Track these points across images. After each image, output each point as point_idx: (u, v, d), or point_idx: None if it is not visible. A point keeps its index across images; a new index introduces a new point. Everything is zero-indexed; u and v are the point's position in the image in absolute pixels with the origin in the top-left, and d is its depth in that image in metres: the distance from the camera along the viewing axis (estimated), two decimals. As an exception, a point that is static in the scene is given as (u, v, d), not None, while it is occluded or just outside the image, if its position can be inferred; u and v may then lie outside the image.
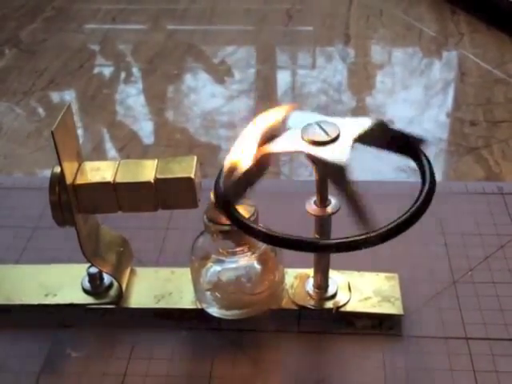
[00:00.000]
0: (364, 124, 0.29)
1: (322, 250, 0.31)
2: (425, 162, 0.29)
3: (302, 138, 0.29)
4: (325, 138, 0.29)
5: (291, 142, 0.29)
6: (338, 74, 1.50)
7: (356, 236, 0.28)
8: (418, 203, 0.28)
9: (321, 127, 0.29)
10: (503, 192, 0.44)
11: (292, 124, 0.30)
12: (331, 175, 0.29)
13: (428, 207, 0.28)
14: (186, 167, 0.32)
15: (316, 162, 0.29)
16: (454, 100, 1.39)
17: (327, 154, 0.28)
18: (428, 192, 0.29)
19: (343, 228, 0.31)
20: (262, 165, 0.30)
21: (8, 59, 1.61)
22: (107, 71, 1.57)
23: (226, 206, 0.29)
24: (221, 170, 0.31)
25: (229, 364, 0.34)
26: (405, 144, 0.30)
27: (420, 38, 1.63)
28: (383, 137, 0.30)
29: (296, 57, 1.65)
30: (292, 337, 0.35)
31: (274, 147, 0.29)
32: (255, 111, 1.38)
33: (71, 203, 0.32)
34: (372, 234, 0.27)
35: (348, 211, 0.28)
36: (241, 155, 0.30)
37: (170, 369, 0.34)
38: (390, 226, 0.28)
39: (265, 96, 1.45)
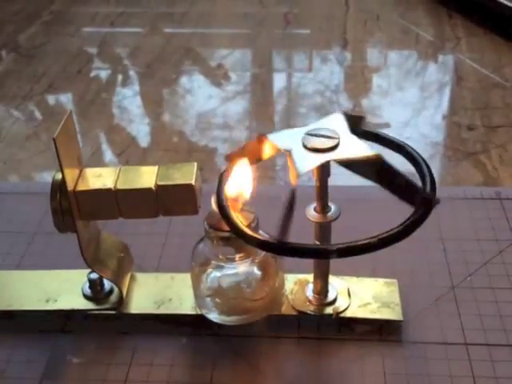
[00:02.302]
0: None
1: (322, 256, 0.31)
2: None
3: (314, 151, 0.29)
4: (333, 142, 0.29)
5: (310, 158, 0.29)
6: (335, 77, 1.51)
7: (355, 241, 0.28)
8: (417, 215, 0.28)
9: (318, 135, 0.29)
10: (501, 197, 0.45)
11: (281, 145, 0.30)
12: (369, 170, 0.28)
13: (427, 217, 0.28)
14: (187, 174, 0.32)
15: (349, 164, 0.28)
16: (451, 104, 1.40)
17: (353, 152, 0.28)
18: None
19: (343, 233, 0.32)
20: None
21: (6, 63, 1.61)
22: (105, 75, 1.57)
23: (227, 215, 0.30)
24: (220, 177, 0.31)
25: (229, 370, 0.34)
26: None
27: (417, 42, 1.63)
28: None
29: (293, 60, 1.65)
30: (292, 342, 0.35)
31: (303, 169, 0.28)
32: (251, 114, 1.38)
33: (72, 209, 0.32)
34: (372, 240, 0.27)
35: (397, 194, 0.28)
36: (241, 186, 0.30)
37: (171, 375, 0.34)
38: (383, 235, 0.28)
39: (261, 98, 1.45)
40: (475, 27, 1.64)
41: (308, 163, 0.28)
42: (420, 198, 0.28)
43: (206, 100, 1.43)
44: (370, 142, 0.31)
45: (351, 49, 1.63)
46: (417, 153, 0.31)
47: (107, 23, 1.80)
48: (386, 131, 0.32)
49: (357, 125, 0.30)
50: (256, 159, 0.31)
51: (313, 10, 1.81)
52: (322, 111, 1.37)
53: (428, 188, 0.29)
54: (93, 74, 1.58)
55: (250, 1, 1.89)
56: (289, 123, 1.36)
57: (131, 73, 1.57)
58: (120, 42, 1.71)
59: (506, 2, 1.54)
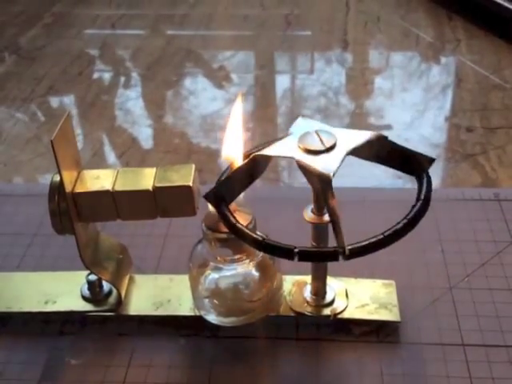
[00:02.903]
0: (362, 137, 0.30)
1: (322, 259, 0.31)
2: (425, 182, 0.30)
3: (298, 146, 0.29)
4: (319, 148, 0.29)
5: (286, 148, 0.29)
6: (336, 79, 1.51)
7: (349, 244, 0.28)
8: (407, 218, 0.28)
9: (318, 136, 0.30)
10: (499, 198, 0.45)
11: (294, 130, 0.30)
12: (316, 185, 0.29)
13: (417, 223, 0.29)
14: (185, 175, 0.32)
15: (304, 170, 0.29)
16: (451, 106, 1.40)
17: (317, 163, 0.28)
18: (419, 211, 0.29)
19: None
20: (256, 167, 0.30)
21: (7, 66, 1.62)
22: (106, 77, 1.58)
23: (221, 209, 0.30)
24: (219, 177, 0.31)
25: (227, 371, 0.34)
26: (409, 161, 0.30)
27: (417, 44, 1.64)
28: (383, 151, 0.30)
29: (294, 62, 1.66)
30: (290, 343, 0.35)
31: (269, 151, 0.30)
32: (253, 115, 1.38)
33: (70, 211, 0.32)
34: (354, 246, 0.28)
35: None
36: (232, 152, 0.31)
37: (169, 376, 0.34)
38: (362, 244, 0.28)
39: (263, 100, 1.45)
40: (475, 29, 1.64)
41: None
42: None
43: (208, 102, 1.44)
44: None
45: (352, 50, 1.63)
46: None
47: (108, 25, 1.80)
48: (386, 132, 0.33)
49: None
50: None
51: (313, 12, 1.82)
52: (326, 113, 1.37)
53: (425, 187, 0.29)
54: (94, 76, 1.58)
55: (251, 3, 1.89)
56: (292, 124, 1.36)
57: (132, 75, 1.58)
58: (121, 44, 1.72)
59: (506, 4, 1.54)
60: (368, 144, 0.29)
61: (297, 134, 0.30)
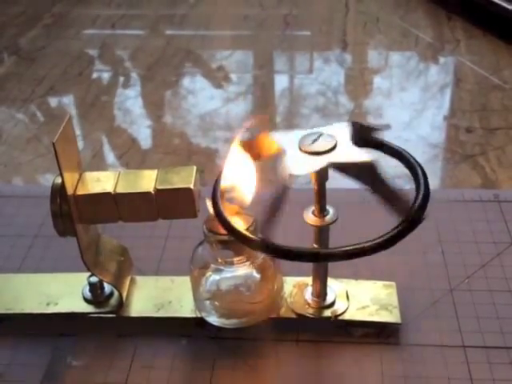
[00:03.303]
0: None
1: (322, 259, 0.32)
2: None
3: (308, 153, 0.29)
4: (329, 146, 0.29)
5: (305, 160, 0.29)
6: (335, 79, 1.51)
7: (352, 245, 0.28)
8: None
9: (314, 139, 0.30)
10: (499, 199, 0.45)
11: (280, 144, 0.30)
12: (362, 175, 0.28)
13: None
14: (186, 178, 0.33)
15: (344, 168, 0.28)
16: (450, 106, 1.40)
17: (348, 157, 0.28)
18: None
19: (342, 236, 0.32)
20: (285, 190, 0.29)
21: (7, 66, 1.62)
22: (106, 78, 1.58)
23: (223, 217, 0.30)
24: (216, 180, 0.32)
25: (228, 372, 0.34)
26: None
27: (416, 45, 1.64)
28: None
29: (293, 62, 1.66)
30: (291, 345, 0.35)
31: (296, 171, 0.28)
32: (253, 115, 1.38)
33: (72, 213, 0.32)
34: (365, 245, 0.28)
35: (384, 203, 0.28)
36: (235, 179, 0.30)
37: (170, 378, 0.34)
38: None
39: (262, 100, 1.45)
40: (474, 29, 1.64)
41: (304, 167, 0.28)
42: (404, 212, 0.28)
43: (207, 102, 1.44)
44: (374, 151, 0.31)
45: (351, 51, 1.63)
46: (417, 163, 0.30)
47: (108, 25, 1.80)
48: (386, 133, 0.32)
49: (366, 135, 0.31)
50: (255, 157, 0.31)
51: (312, 12, 1.82)
52: (324, 112, 1.37)
53: (417, 205, 0.29)
54: (94, 76, 1.58)
55: (250, 3, 1.89)
56: (291, 124, 1.36)
57: (132, 75, 1.58)
58: (121, 44, 1.72)
59: (505, 5, 1.54)
60: (356, 166, 0.28)
61: (291, 146, 0.29)
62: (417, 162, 0.31)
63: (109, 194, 0.32)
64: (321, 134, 0.30)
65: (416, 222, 0.28)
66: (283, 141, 0.30)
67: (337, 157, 0.29)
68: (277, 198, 0.28)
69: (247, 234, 0.30)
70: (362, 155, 0.28)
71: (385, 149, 0.31)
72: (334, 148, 0.29)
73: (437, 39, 1.65)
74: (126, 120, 1.40)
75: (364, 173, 0.28)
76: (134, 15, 1.86)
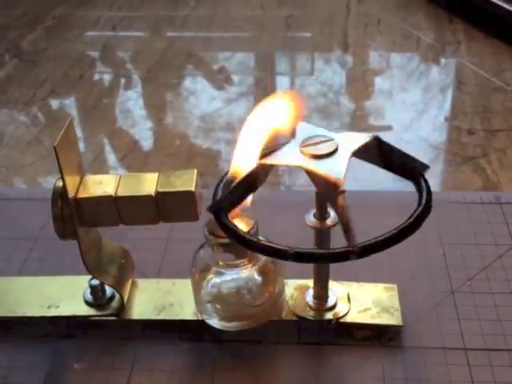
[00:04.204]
0: (360, 139, 0.30)
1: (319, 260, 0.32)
2: (424, 187, 0.30)
3: (301, 152, 0.29)
4: (323, 152, 0.29)
5: (290, 156, 0.30)
6: (337, 81, 1.51)
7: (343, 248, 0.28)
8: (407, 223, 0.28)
9: (319, 141, 0.30)
10: (501, 202, 0.45)
11: (296, 135, 0.30)
12: (325, 190, 0.29)
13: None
14: (187, 181, 0.33)
15: (312, 176, 0.29)
16: (452, 108, 1.40)
17: (324, 168, 0.28)
18: (419, 216, 0.29)
19: (342, 238, 0.32)
20: (259, 176, 0.30)
21: (9, 69, 1.62)
22: (107, 80, 1.58)
23: (220, 217, 0.30)
24: (219, 181, 0.32)
25: (229, 375, 0.34)
26: (405, 166, 0.30)
27: (418, 46, 1.64)
28: (381, 154, 0.30)
29: (295, 63, 1.66)
30: (292, 348, 0.35)
31: (273, 160, 0.30)
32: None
33: (73, 217, 0.32)
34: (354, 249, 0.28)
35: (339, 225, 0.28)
36: (243, 163, 0.30)
37: (172, 380, 0.34)
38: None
39: (264, 98, 1.45)
40: (476, 31, 1.65)
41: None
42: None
43: (208, 104, 1.44)
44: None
45: (352, 52, 1.63)
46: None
47: (109, 28, 1.81)
48: (387, 134, 0.33)
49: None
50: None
51: (314, 14, 1.82)
52: (325, 113, 1.37)
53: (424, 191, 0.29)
54: (95, 79, 1.58)
55: (251, 4, 1.89)
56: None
57: (133, 77, 1.58)
58: (122, 46, 1.72)
59: (506, 6, 1.54)
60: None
61: (297, 139, 0.30)
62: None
63: (110, 197, 0.32)
64: (314, 139, 0.30)
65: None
66: (288, 160, 0.30)
67: (349, 147, 0.29)
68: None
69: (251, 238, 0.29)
70: (364, 136, 0.29)
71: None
72: (325, 156, 0.29)
73: (438, 41, 1.65)
74: (127, 122, 1.40)
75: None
76: (135, 17, 1.86)
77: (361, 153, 0.30)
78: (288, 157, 0.30)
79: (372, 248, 0.28)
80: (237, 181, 0.30)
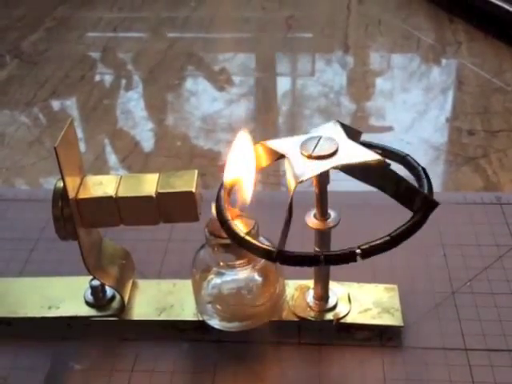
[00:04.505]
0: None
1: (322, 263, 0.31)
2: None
3: (313, 158, 0.29)
4: (331, 149, 0.29)
5: (312, 165, 0.29)
6: (337, 82, 1.51)
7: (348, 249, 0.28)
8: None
9: (316, 143, 0.30)
10: (501, 202, 0.45)
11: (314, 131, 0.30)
12: (370, 175, 0.28)
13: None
14: (187, 181, 0.33)
15: (352, 169, 0.28)
16: (452, 109, 1.40)
17: (354, 158, 0.28)
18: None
19: (343, 239, 0.32)
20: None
21: (10, 70, 1.62)
22: (108, 81, 1.58)
23: (225, 223, 0.30)
24: (221, 185, 0.32)
25: (230, 376, 0.34)
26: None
27: (418, 47, 1.64)
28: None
29: (296, 64, 1.66)
30: (293, 348, 0.35)
31: (303, 176, 0.28)
32: (255, 117, 1.39)
33: (74, 217, 0.32)
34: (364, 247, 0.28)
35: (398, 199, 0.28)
36: (242, 175, 0.30)
37: (172, 381, 0.34)
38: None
39: (264, 102, 1.46)
40: (476, 32, 1.64)
41: (308, 170, 0.28)
42: (421, 199, 0.28)
43: (209, 105, 1.44)
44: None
45: (353, 53, 1.63)
46: (415, 161, 0.31)
47: (110, 29, 1.81)
48: (388, 135, 0.33)
49: (353, 138, 0.31)
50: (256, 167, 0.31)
51: (314, 15, 1.82)
52: (326, 114, 1.37)
53: (426, 190, 0.29)
54: (96, 80, 1.58)
55: (252, 5, 1.90)
56: (293, 126, 1.36)
57: (134, 78, 1.58)
58: (123, 47, 1.72)
59: (507, 7, 1.54)
60: (365, 166, 0.28)
61: (294, 153, 0.29)
62: (418, 163, 0.31)
63: (110, 197, 0.32)
64: (320, 137, 0.30)
65: (433, 206, 0.28)
66: (283, 148, 0.30)
67: (343, 159, 0.29)
68: (288, 211, 0.28)
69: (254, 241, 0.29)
70: (369, 155, 0.28)
71: (385, 152, 0.31)
72: (337, 151, 0.29)
73: (438, 41, 1.65)
74: (128, 123, 1.40)
75: (374, 172, 0.28)
76: (136, 18, 1.86)
77: (353, 169, 0.29)
78: (312, 166, 0.28)
79: (374, 250, 0.28)
80: (287, 215, 0.29)
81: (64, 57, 1.66)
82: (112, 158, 1.30)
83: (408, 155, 0.31)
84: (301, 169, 0.28)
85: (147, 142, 1.34)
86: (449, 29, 1.69)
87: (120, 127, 1.39)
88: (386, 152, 0.31)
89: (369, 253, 0.28)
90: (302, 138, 0.30)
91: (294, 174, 0.28)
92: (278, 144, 0.30)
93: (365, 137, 0.32)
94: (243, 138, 0.31)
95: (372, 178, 0.29)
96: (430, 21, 1.74)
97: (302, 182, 0.28)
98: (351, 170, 0.29)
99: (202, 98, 1.48)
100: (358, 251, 0.28)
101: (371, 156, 0.28)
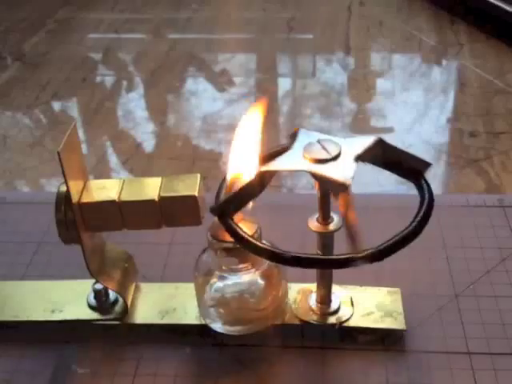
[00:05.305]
0: (365, 142, 0.30)
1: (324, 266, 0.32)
2: (424, 186, 0.30)
3: (304, 157, 0.29)
4: (326, 156, 0.29)
5: (294, 161, 0.30)
6: (338, 83, 1.51)
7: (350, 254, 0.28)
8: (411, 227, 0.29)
9: (322, 145, 0.30)
10: (504, 205, 0.45)
11: (296, 141, 0.31)
12: (334, 192, 0.29)
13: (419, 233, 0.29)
14: (190, 185, 0.33)
15: (319, 179, 0.29)
16: (454, 110, 1.40)
17: (330, 171, 0.29)
18: (422, 218, 0.29)
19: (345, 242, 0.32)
20: (263, 181, 0.30)
21: (12, 72, 1.63)
22: (110, 83, 1.58)
23: (226, 221, 0.30)
24: (221, 184, 0.32)
25: (233, 379, 0.34)
26: (407, 165, 0.30)
27: (420, 49, 1.64)
28: (384, 156, 0.30)
29: (297, 66, 1.66)
30: (295, 352, 0.35)
31: (277, 166, 0.30)
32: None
33: (77, 222, 0.32)
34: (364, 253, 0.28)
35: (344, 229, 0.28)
36: (242, 169, 0.31)
37: (175, 385, 0.34)
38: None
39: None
40: (478, 33, 1.64)
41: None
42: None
43: (210, 106, 1.44)
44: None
45: (354, 55, 1.63)
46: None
47: (112, 30, 1.81)
48: (389, 135, 0.33)
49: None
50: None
51: (315, 16, 1.82)
52: (327, 114, 1.37)
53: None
54: (97, 82, 1.59)
55: (253, 7, 1.90)
56: (293, 126, 1.36)
57: (136, 80, 1.58)
58: (124, 48, 1.72)
59: (508, 8, 1.54)
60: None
61: (299, 145, 0.30)
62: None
63: (113, 201, 0.32)
64: (319, 141, 0.30)
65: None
66: (293, 165, 0.30)
67: (352, 151, 0.29)
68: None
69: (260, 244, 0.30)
70: (368, 139, 0.29)
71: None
72: (329, 160, 0.29)
73: (440, 43, 1.65)
74: (129, 125, 1.40)
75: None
76: (138, 19, 1.87)
77: (364, 156, 0.30)
78: (292, 162, 0.30)
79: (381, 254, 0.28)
80: (241, 185, 0.30)
81: (65, 59, 1.66)
82: (114, 161, 1.30)
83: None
84: (336, 172, 0.28)
85: (149, 144, 1.34)
86: (450, 30, 1.69)
87: (122, 129, 1.39)
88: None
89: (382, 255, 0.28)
90: (296, 151, 0.30)
91: (338, 182, 0.28)
92: (283, 164, 0.30)
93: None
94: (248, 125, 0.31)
95: (377, 158, 0.30)
96: (431, 22, 1.74)
97: (351, 183, 0.28)
98: (363, 157, 0.30)
99: (203, 99, 1.48)
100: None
101: (371, 139, 0.29)
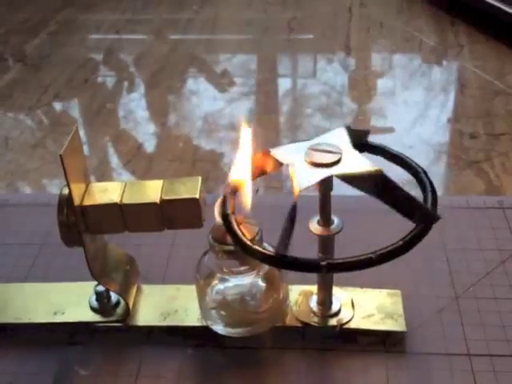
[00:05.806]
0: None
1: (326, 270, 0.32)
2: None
3: (316, 165, 0.29)
4: (335, 157, 0.29)
5: (312, 173, 0.29)
6: (339, 85, 1.51)
7: (356, 257, 0.28)
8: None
9: (320, 150, 0.30)
10: (504, 206, 0.45)
11: (284, 159, 0.30)
12: (370, 185, 0.29)
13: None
14: (191, 188, 0.33)
15: (350, 179, 0.28)
16: (454, 112, 1.40)
17: (355, 168, 0.28)
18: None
19: (346, 244, 0.32)
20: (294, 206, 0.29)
21: (14, 73, 1.63)
22: (112, 84, 1.59)
23: (231, 228, 0.30)
24: (225, 190, 0.32)
25: (234, 381, 0.34)
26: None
27: (420, 50, 1.64)
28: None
29: (297, 66, 1.66)
30: (296, 354, 0.35)
31: (303, 184, 0.29)
32: (257, 117, 1.39)
33: (79, 224, 0.32)
34: (371, 256, 0.28)
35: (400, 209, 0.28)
36: (243, 178, 0.31)
37: (177, 386, 0.34)
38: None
39: (266, 103, 1.46)
40: (478, 34, 1.64)
41: (309, 178, 0.29)
42: (420, 214, 0.28)
43: (212, 107, 1.44)
44: (373, 156, 0.31)
45: (355, 56, 1.63)
46: (419, 166, 0.31)
47: (113, 31, 1.81)
48: (389, 137, 0.33)
49: (361, 139, 0.31)
50: (259, 173, 0.31)
51: (316, 17, 1.82)
52: (328, 115, 1.37)
53: (429, 203, 0.29)
54: (99, 84, 1.59)
55: (254, 8, 1.90)
56: (294, 125, 1.36)
57: (137, 81, 1.58)
58: (126, 49, 1.73)
59: (508, 10, 1.54)
60: (364, 177, 0.29)
61: (289, 160, 0.30)
62: (418, 165, 0.31)
63: (115, 204, 0.32)
64: (325, 145, 0.30)
65: (433, 220, 0.28)
66: (289, 155, 0.30)
67: (344, 168, 0.29)
68: (290, 215, 0.28)
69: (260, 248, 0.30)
70: (368, 165, 0.29)
71: (386, 154, 0.31)
72: (340, 159, 0.29)
73: (440, 44, 1.65)
74: (131, 127, 1.40)
75: (373, 182, 0.28)
76: (139, 21, 1.87)
77: (353, 180, 0.29)
78: (311, 174, 0.29)
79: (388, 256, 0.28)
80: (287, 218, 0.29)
81: (67, 60, 1.66)
82: (115, 162, 1.30)
83: (410, 158, 0.31)
84: (303, 176, 0.28)
85: (150, 145, 1.34)
86: (450, 31, 1.69)
87: (123, 131, 1.39)
88: (388, 155, 0.31)
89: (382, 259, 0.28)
90: (306, 144, 0.30)
91: (297, 182, 0.28)
92: (282, 151, 0.30)
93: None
94: (247, 139, 0.31)
95: (371, 188, 0.29)
96: (431, 23, 1.74)
97: (302, 189, 0.28)
98: (351, 179, 0.29)
99: (204, 99, 1.48)
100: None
101: (371, 166, 0.29)
